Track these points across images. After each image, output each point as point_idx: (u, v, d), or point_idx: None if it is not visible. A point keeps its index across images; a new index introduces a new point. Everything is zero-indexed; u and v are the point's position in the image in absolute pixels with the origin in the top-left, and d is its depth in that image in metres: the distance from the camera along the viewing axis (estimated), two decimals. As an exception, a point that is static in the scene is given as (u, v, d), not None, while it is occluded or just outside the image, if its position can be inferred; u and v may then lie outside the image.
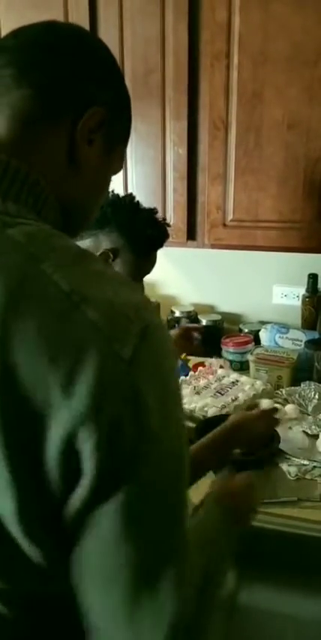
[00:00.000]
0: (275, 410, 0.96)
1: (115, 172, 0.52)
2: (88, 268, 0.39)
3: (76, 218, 0.48)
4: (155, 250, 0.94)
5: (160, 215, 0.96)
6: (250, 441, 0.87)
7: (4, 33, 0.47)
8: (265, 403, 0.99)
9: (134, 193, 1.21)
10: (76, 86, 0.44)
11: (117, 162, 0.52)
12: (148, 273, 0.95)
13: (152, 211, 0.94)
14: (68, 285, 0.35)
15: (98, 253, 0.88)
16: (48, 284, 0.35)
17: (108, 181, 0.52)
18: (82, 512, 0.35)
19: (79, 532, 0.36)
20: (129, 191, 1.23)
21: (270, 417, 0.92)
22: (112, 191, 0.94)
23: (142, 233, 0.89)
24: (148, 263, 0.94)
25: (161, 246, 0.95)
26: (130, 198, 0.93)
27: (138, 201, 0.94)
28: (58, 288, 0.35)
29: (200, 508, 0.55)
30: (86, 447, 0.33)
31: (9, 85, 0.43)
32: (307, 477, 0.92)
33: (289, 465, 0.94)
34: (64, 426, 0.33)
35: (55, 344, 0.34)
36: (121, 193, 0.97)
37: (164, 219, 0.96)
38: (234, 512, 0.55)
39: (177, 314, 1.55)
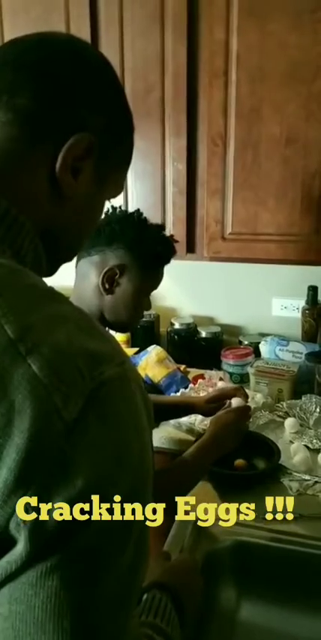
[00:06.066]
0: (248, 408, 1.03)
1: (112, 197, 0.50)
2: (46, 311, 0.35)
3: (63, 245, 0.46)
4: (162, 266, 0.94)
5: (167, 231, 0.96)
6: (237, 437, 0.94)
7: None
8: (236, 402, 1.01)
9: (134, 208, 1.23)
10: (60, 110, 0.41)
11: (113, 188, 0.49)
12: (154, 288, 0.95)
13: (160, 227, 0.94)
14: (16, 332, 0.32)
15: (105, 270, 0.88)
16: None
17: (101, 207, 0.49)
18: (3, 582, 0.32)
19: None
20: (129, 205, 1.25)
21: (245, 413, 0.99)
22: (120, 207, 0.94)
23: (151, 249, 0.89)
24: (156, 279, 0.94)
25: (168, 261, 0.95)
26: (138, 214, 0.93)
27: (146, 218, 0.93)
28: (5, 335, 0.32)
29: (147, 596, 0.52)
30: (14, 520, 0.31)
31: None
32: (309, 492, 0.92)
33: (290, 481, 0.94)
34: None
35: None
36: (128, 209, 0.96)
37: (172, 235, 0.96)
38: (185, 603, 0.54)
39: (176, 326, 1.55)
